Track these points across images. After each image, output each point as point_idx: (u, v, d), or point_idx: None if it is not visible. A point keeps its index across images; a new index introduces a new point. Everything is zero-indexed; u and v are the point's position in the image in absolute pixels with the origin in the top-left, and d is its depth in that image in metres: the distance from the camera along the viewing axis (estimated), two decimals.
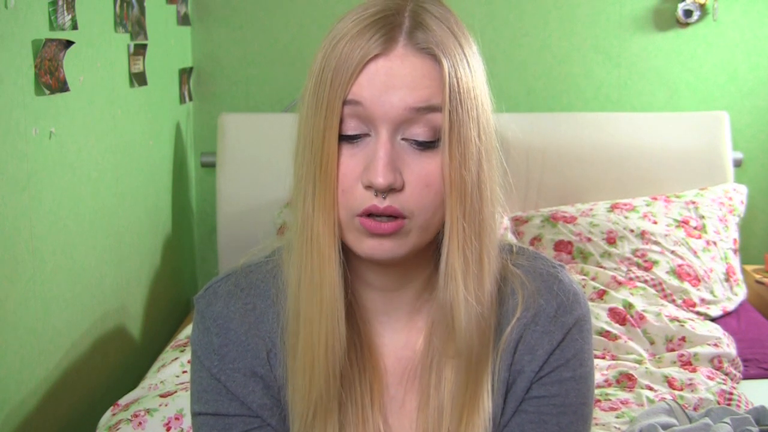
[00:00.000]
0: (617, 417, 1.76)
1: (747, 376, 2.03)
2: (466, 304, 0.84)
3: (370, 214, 0.82)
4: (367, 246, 0.83)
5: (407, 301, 0.92)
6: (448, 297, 0.84)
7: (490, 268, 0.86)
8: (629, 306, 2.17)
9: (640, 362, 2.03)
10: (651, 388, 1.88)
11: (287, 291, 0.89)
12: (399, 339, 0.93)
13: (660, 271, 2.33)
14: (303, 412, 0.88)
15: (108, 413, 1.61)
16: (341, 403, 0.88)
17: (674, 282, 2.31)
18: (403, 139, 0.82)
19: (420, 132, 0.81)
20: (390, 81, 0.80)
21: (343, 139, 0.82)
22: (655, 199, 2.54)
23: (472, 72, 0.83)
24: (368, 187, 0.81)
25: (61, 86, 1.65)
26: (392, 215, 0.81)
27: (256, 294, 0.93)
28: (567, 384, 0.90)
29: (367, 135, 0.82)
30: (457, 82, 0.81)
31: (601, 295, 2.23)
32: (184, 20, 2.64)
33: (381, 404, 0.91)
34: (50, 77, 1.61)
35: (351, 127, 0.82)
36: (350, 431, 0.89)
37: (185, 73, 2.66)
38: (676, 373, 1.94)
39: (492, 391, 0.89)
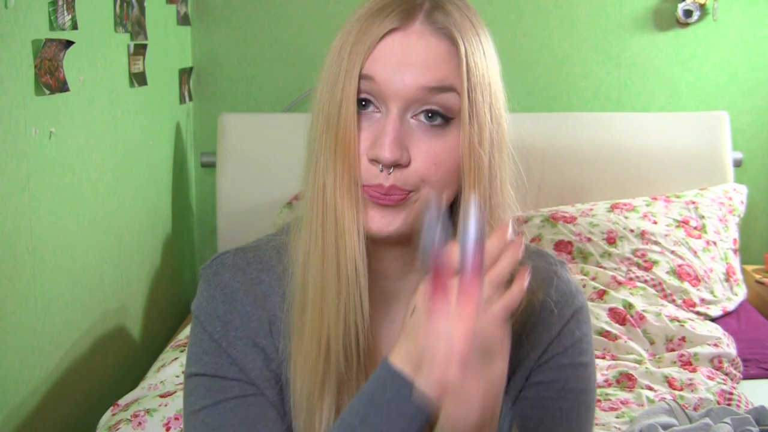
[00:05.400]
0: (617, 417, 1.76)
1: (747, 376, 2.03)
2: None
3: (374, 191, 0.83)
4: (368, 217, 0.84)
5: (409, 293, 0.92)
6: None
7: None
8: (629, 306, 2.17)
9: (640, 362, 2.03)
10: (651, 388, 1.88)
11: (294, 266, 0.89)
12: (398, 330, 0.93)
13: (660, 271, 2.33)
14: (310, 390, 0.87)
15: (108, 413, 1.62)
16: (338, 392, 0.88)
17: (674, 282, 2.31)
18: (413, 117, 0.83)
19: (431, 111, 0.82)
20: (404, 58, 0.81)
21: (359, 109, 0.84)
22: (655, 199, 2.54)
23: (488, 60, 0.85)
24: (373, 161, 0.82)
25: (61, 86, 1.65)
26: (395, 194, 0.82)
27: (262, 269, 0.93)
28: (566, 370, 0.91)
29: (377, 111, 0.83)
30: (475, 65, 0.82)
31: (601, 295, 2.23)
32: (184, 20, 2.64)
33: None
34: (50, 77, 1.61)
35: (363, 102, 0.83)
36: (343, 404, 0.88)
37: (185, 73, 2.66)
38: (676, 373, 1.94)
39: None
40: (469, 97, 0.82)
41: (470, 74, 0.82)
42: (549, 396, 0.91)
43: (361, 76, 0.82)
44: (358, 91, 0.83)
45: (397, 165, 0.82)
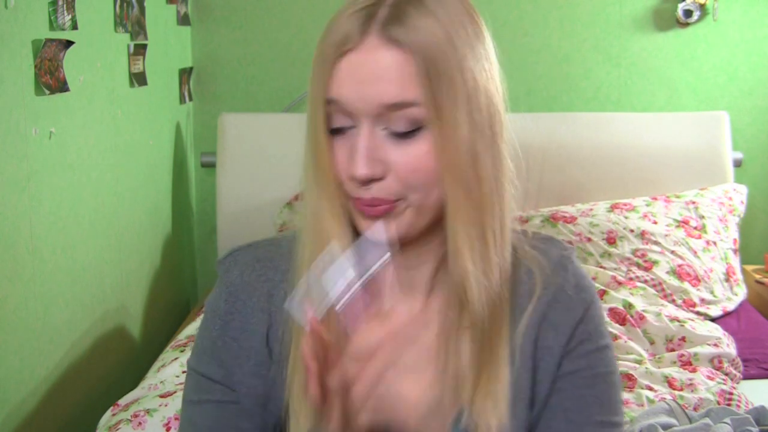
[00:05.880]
0: None
1: (747, 376, 2.03)
2: (476, 279, 0.86)
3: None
4: (366, 228, 0.86)
5: (424, 279, 0.93)
6: (457, 274, 0.87)
7: (495, 243, 0.88)
8: (629, 306, 2.17)
9: (640, 362, 2.03)
10: (651, 388, 1.88)
11: (295, 273, 0.91)
12: (416, 317, 0.94)
13: (660, 271, 2.33)
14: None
15: (108, 413, 1.62)
16: None
17: (674, 282, 2.31)
18: (384, 128, 0.83)
19: (399, 124, 0.82)
20: (361, 76, 0.81)
21: (334, 132, 0.85)
22: (655, 199, 2.54)
23: (459, 54, 0.82)
24: (353, 178, 0.83)
25: (61, 86, 1.65)
26: (378, 205, 0.84)
27: (271, 267, 0.95)
28: (593, 356, 0.93)
29: (353, 127, 0.84)
30: (436, 72, 0.81)
31: (601, 295, 2.23)
32: (184, 20, 2.64)
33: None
34: (50, 77, 1.61)
35: (338, 121, 0.84)
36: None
37: (185, 73, 2.66)
38: (676, 373, 1.94)
39: (513, 363, 0.90)
40: (435, 105, 0.81)
41: (432, 82, 0.81)
42: (582, 384, 0.92)
43: (327, 101, 0.83)
44: (330, 114, 0.84)
45: (373, 179, 0.83)
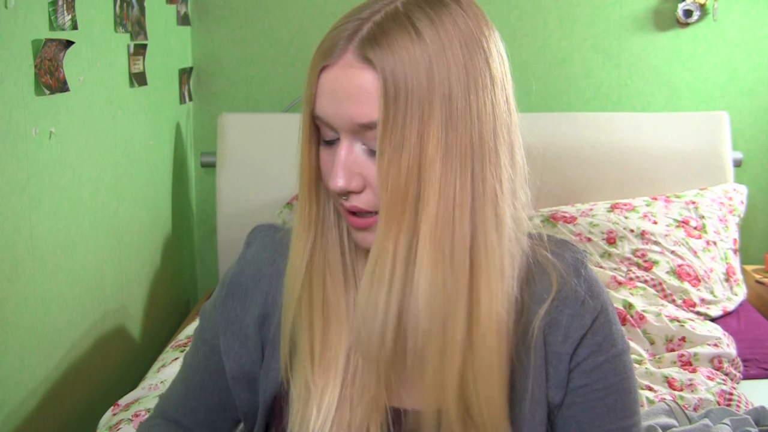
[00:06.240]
0: None
1: (747, 376, 2.03)
2: (367, 310, 0.84)
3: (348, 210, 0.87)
4: (355, 237, 0.89)
5: None
6: (361, 298, 0.85)
7: (425, 274, 0.82)
8: (629, 306, 2.17)
9: (640, 362, 2.03)
10: (651, 389, 1.88)
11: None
12: None
13: (660, 271, 2.33)
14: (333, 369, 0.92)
15: (108, 413, 1.62)
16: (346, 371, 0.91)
17: (674, 282, 2.31)
18: (363, 144, 0.84)
19: (372, 142, 0.83)
20: (335, 93, 0.82)
21: (325, 143, 0.87)
22: (655, 199, 2.54)
23: (436, 81, 0.79)
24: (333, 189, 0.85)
25: (61, 86, 1.65)
26: (358, 212, 0.86)
27: (282, 254, 0.97)
28: (603, 367, 0.93)
29: (338, 139, 0.85)
30: (396, 96, 0.79)
31: None
32: (184, 20, 2.64)
33: (391, 375, 0.92)
34: (50, 77, 1.61)
35: (327, 134, 0.86)
36: (355, 394, 0.90)
37: (185, 73, 2.66)
38: (676, 373, 1.94)
39: (525, 368, 0.90)
40: (388, 129, 0.79)
41: (389, 106, 0.79)
42: (595, 397, 0.93)
43: (313, 116, 0.85)
44: (320, 127, 0.86)
45: (351, 192, 0.84)
